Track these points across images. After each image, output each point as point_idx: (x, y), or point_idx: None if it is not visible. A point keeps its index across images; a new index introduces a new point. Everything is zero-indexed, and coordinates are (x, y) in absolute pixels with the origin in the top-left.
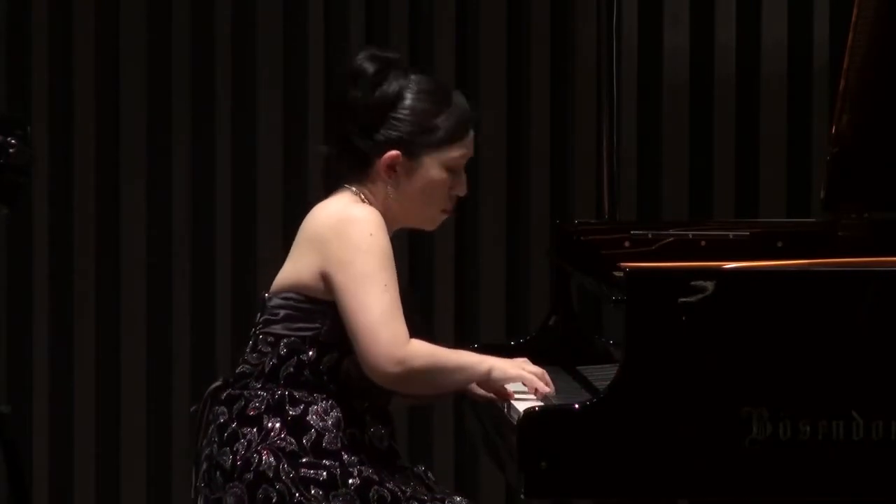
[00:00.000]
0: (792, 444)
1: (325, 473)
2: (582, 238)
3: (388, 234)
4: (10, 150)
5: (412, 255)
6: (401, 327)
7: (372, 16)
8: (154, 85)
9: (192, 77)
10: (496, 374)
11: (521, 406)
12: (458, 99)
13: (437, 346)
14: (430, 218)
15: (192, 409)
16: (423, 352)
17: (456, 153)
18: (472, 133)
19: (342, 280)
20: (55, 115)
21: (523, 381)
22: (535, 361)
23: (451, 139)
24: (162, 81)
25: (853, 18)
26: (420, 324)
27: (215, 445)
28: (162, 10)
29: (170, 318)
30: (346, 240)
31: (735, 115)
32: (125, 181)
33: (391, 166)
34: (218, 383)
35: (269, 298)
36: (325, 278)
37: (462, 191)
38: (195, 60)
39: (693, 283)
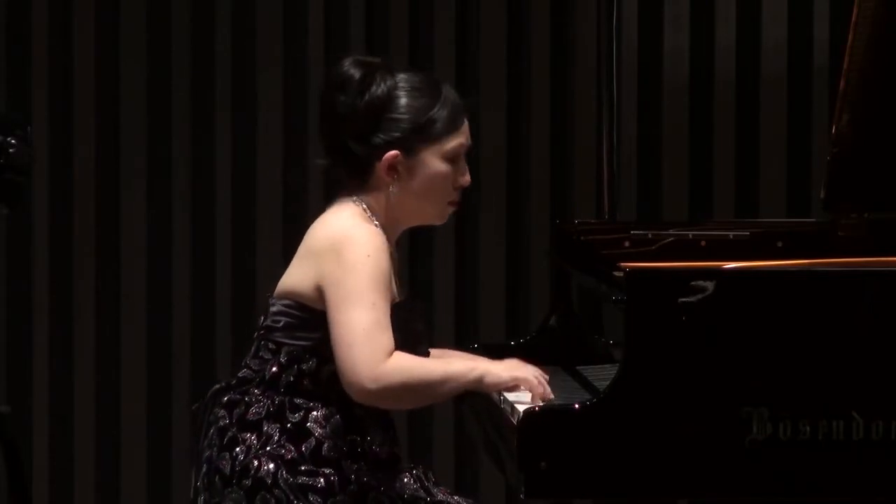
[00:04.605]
0: (792, 444)
1: (322, 481)
2: (582, 238)
3: (394, 236)
4: (10, 150)
5: (413, 254)
6: (380, 345)
7: (372, 16)
8: (154, 85)
9: (192, 77)
10: (490, 379)
11: (521, 406)
12: (448, 90)
13: (419, 360)
14: (438, 213)
15: (193, 407)
16: (400, 367)
17: (453, 143)
18: (466, 122)
19: (332, 297)
20: (55, 115)
21: (520, 385)
22: (535, 362)
23: (447, 130)
24: (162, 81)
25: (853, 18)
26: (423, 333)
27: (215, 449)
28: (162, 10)
29: (170, 318)
30: (342, 259)
31: (735, 115)
32: (125, 181)
33: (392, 167)
34: (220, 385)
35: (273, 303)
36: (321, 292)
37: (465, 181)
38: (195, 60)
39: (693, 283)
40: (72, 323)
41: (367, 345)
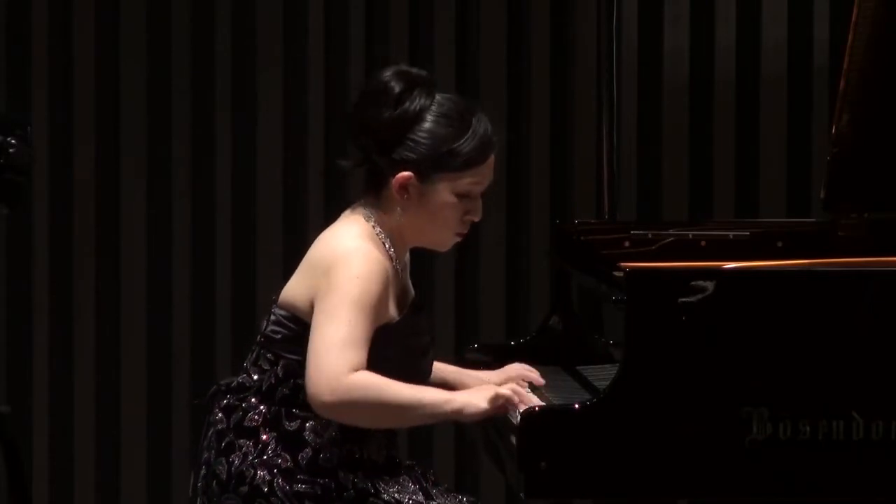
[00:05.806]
0: (792, 444)
1: (319, 489)
2: (582, 238)
3: (403, 252)
4: (10, 150)
5: (413, 254)
6: (345, 359)
7: (372, 16)
8: (154, 85)
9: (192, 77)
10: (469, 410)
11: (521, 407)
12: (480, 125)
13: (387, 382)
14: (440, 240)
15: (194, 402)
16: (362, 385)
17: (469, 180)
18: (490, 159)
19: (315, 312)
20: (55, 115)
21: (504, 404)
22: (534, 361)
23: (465, 166)
24: (162, 81)
25: (853, 18)
26: (427, 346)
27: (213, 452)
28: (162, 10)
29: (170, 318)
30: (332, 277)
31: (735, 115)
32: (125, 181)
33: (403, 186)
34: (220, 387)
35: (274, 310)
36: (313, 307)
37: (476, 216)
38: (195, 60)
39: (693, 283)
40: (72, 323)
41: (331, 358)
